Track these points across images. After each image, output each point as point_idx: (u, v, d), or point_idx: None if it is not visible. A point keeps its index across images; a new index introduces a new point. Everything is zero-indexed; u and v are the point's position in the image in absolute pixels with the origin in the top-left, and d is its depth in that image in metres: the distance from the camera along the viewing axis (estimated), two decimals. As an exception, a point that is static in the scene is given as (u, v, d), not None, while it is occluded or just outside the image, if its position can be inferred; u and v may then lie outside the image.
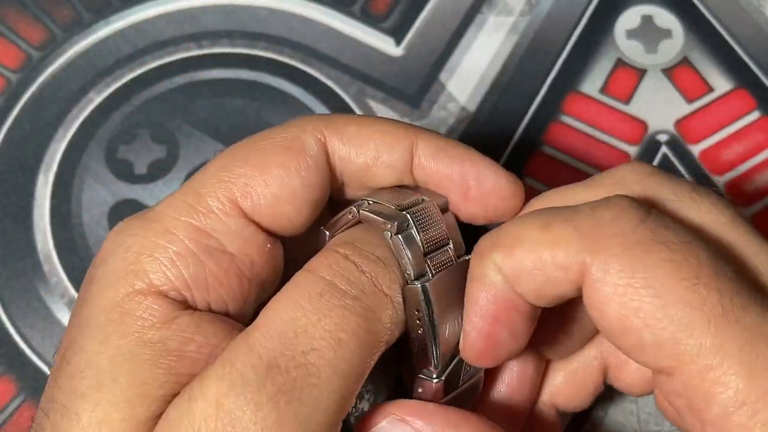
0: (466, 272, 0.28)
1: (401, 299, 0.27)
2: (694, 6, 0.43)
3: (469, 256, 0.28)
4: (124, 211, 0.40)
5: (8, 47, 0.43)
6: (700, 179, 0.40)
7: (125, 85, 0.42)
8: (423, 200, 0.29)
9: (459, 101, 0.42)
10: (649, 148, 0.41)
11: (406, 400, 0.28)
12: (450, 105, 0.42)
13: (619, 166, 0.29)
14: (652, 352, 0.24)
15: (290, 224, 0.28)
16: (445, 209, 0.29)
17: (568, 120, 0.42)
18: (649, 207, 0.26)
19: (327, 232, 0.29)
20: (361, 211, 0.28)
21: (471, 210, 0.30)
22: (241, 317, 0.28)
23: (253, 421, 0.24)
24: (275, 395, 0.24)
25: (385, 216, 0.28)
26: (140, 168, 0.41)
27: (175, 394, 0.25)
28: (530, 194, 0.40)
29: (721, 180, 0.40)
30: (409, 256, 0.28)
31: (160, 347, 0.26)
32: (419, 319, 0.27)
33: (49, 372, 0.38)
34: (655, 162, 0.41)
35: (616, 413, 0.36)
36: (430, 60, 0.43)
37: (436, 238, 0.28)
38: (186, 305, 0.27)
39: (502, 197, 0.30)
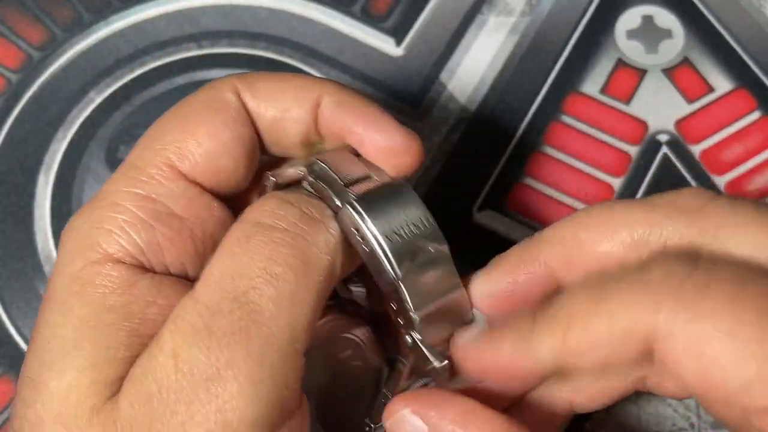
0: (402, 194, 0.29)
1: (336, 225, 0.28)
2: (694, 6, 0.44)
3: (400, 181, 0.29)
4: (124, 211, 0.40)
5: (8, 47, 0.43)
6: (701, 179, 0.40)
7: (125, 85, 0.42)
8: (339, 149, 0.30)
9: (459, 101, 0.42)
10: (650, 148, 0.41)
11: (420, 392, 0.29)
12: (450, 105, 0.42)
13: (681, 190, 0.28)
14: (743, 397, 0.23)
15: (230, 178, 0.29)
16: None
17: (568, 120, 0.42)
18: (694, 257, 0.25)
19: (272, 178, 0.30)
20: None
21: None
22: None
23: (208, 364, 0.25)
24: (224, 336, 0.25)
25: (300, 165, 0.29)
26: (141, 168, 0.41)
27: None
28: (530, 194, 0.40)
29: (721, 180, 0.40)
30: (328, 188, 0.28)
31: (123, 311, 0.27)
32: (362, 238, 0.28)
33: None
34: (656, 162, 0.41)
35: (617, 414, 0.36)
36: (431, 60, 0.43)
37: (355, 173, 0.29)
38: (144, 270, 0.28)
39: (396, 154, 0.30)
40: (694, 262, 0.25)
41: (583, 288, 0.26)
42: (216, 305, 0.26)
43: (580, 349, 0.25)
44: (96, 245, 0.27)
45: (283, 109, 0.30)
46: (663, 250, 0.27)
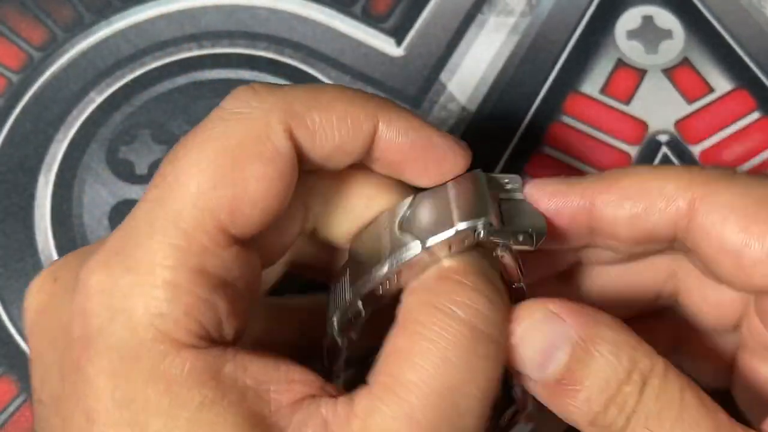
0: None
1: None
2: (694, 6, 0.44)
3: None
4: (124, 211, 0.40)
5: (9, 48, 0.43)
6: (701, 179, 0.40)
7: (126, 85, 0.42)
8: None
9: (460, 101, 0.42)
10: (650, 149, 0.41)
11: (563, 299, 0.27)
12: (451, 105, 0.42)
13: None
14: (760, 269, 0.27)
15: (269, 224, 0.27)
16: None
17: (568, 120, 0.42)
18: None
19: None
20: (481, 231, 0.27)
21: (424, 182, 0.29)
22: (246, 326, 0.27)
23: None
24: None
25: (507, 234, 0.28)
26: (141, 168, 0.41)
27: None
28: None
29: (721, 180, 0.40)
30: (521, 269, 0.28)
31: (225, 403, 0.24)
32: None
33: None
34: (656, 162, 0.41)
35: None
36: (431, 60, 0.43)
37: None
38: (217, 347, 0.25)
39: (457, 170, 0.29)
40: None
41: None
42: (434, 427, 0.24)
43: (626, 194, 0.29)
44: (161, 336, 0.24)
45: (339, 145, 0.27)
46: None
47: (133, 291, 0.24)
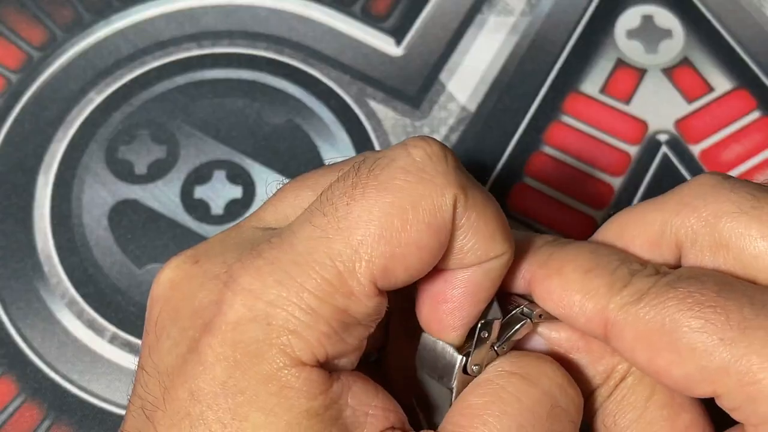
0: None
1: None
2: (694, 6, 0.43)
3: None
4: (124, 211, 0.40)
5: (8, 47, 0.43)
6: (701, 179, 0.40)
7: (125, 85, 0.42)
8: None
9: (459, 101, 0.42)
10: (650, 148, 0.41)
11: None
12: (450, 105, 0.42)
13: (690, 180, 0.28)
14: (685, 384, 0.25)
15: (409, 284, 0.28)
16: None
17: (568, 120, 0.42)
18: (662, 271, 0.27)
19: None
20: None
21: None
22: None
23: None
24: None
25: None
26: (140, 168, 0.41)
27: None
28: (529, 194, 0.40)
29: (721, 180, 0.40)
30: None
31: (327, 417, 0.26)
32: None
33: (46, 371, 0.38)
34: (655, 162, 0.41)
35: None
36: (431, 60, 0.43)
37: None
38: (326, 369, 0.27)
39: None
40: (660, 273, 0.26)
41: (588, 250, 0.28)
42: None
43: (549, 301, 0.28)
44: (289, 349, 0.25)
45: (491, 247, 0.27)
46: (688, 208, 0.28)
47: (280, 302, 0.26)
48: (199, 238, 0.39)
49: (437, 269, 0.27)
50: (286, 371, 0.25)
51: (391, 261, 0.26)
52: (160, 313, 0.28)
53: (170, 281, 0.28)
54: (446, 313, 0.27)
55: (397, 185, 0.26)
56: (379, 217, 0.26)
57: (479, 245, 0.26)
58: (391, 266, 0.26)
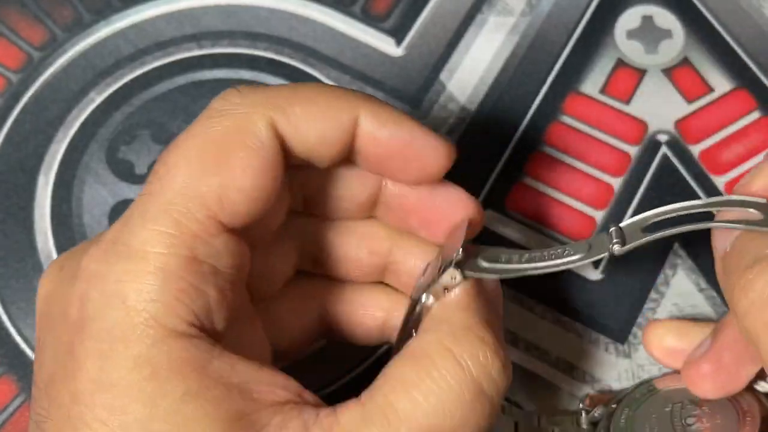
0: None
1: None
2: (694, 6, 0.43)
3: None
4: (124, 211, 0.40)
5: (9, 48, 0.43)
6: (700, 179, 0.40)
7: (126, 85, 0.42)
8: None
9: (459, 101, 0.42)
10: (649, 149, 0.41)
11: None
12: (450, 105, 0.42)
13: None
14: None
15: (261, 216, 0.28)
16: None
17: (568, 120, 0.42)
18: None
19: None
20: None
21: (406, 179, 0.30)
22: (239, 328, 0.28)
23: None
24: None
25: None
26: (141, 168, 0.41)
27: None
28: (529, 194, 0.40)
29: (721, 180, 0.40)
30: None
31: (208, 397, 0.25)
32: None
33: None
34: (655, 162, 0.41)
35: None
36: (431, 60, 0.43)
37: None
38: (206, 340, 0.26)
39: (439, 168, 0.30)
40: None
41: None
42: None
43: None
44: (152, 321, 0.25)
45: (322, 135, 0.28)
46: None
47: (127, 276, 0.25)
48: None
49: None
50: (155, 350, 0.25)
51: (221, 190, 0.26)
52: (39, 329, 0.28)
53: (43, 296, 0.28)
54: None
55: (203, 128, 0.27)
56: (194, 157, 0.26)
57: (316, 130, 0.28)
58: (224, 194, 0.26)
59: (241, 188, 0.26)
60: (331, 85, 0.30)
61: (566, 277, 0.39)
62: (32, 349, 0.38)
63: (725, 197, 0.28)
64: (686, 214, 0.28)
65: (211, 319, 0.26)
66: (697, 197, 0.40)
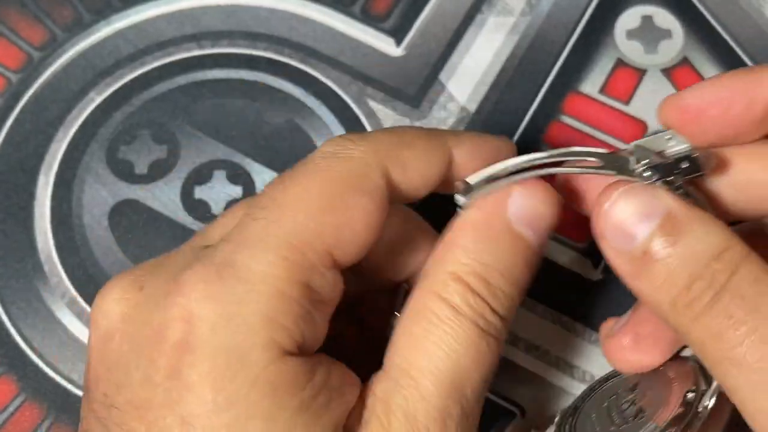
0: None
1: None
2: (694, 6, 0.44)
3: None
4: (124, 211, 0.40)
5: (9, 48, 0.43)
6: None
7: (126, 85, 0.42)
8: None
9: (459, 101, 0.42)
10: (649, 148, 0.41)
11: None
12: (450, 105, 0.42)
13: None
14: None
15: (364, 255, 0.29)
16: None
17: (568, 120, 0.42)
18: None
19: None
20: None
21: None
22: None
23: None
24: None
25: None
26: (141, 168, 0.41)
27: None
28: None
29: (720, 180, 0.40)
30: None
31: (317, 406, 0.26)
32: None
33: (47, 370, 0.38)
34: (655, 162, 0.41)
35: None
36: (431, 60, 0.43)
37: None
38: (309, 356, 0.27)
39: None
40: None
41: None
42: (446, 409, 0.27)
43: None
44: (272, 343, 0.26)
45: (426, 176, 0.30)
46: None
47: (249, 298, 0.26)
48: (200, 238, 0.39)
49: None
50: (273, 368, 0.25)
51: (339, 229, 0.27)
52: (119, 348, 0.27)
53: (120, 314, 0.28)
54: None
55: (323, 167, 0.28)
56: (317, 193, 0.27)
57: (421, 170, 0.29)
58: (341, 233, 0.27)
59: (356, 230, 0.28)
60: (424, 128, 0.31)
61: (566, 277, 0.39)
62: (32, 349, 0.38)
63: (568, 149, 0.29)
64: (531, 166, 0.29)
65: (310, 341, 0.27)
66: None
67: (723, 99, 0.30)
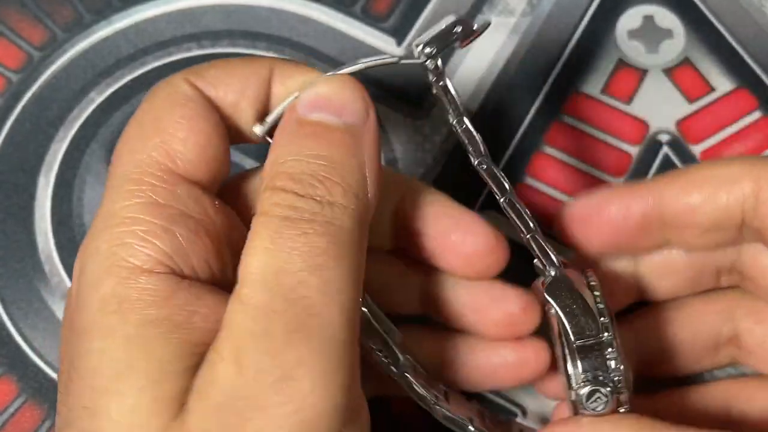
0: None
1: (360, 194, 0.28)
2: (695, 6, 0.44)
3: None
4: (125, 211, 0.40)
5: (9, 47, 0.43)
6: (702, 179, 0.40)
7: (126, 85, 0.42)
8: None
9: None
10: (651, 149, 0.41)
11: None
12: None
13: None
14: None
15: (221, 168, 0.29)
16: None
17: (569, 120, 0.42)
18: None
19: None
20: None
21: None
22: (228, 282, 0.28)
23: (274, 365, 0.25)
24: (285, 336, 0.25)
25: None
26: (141, 168, 0.41)
27: (197, 366, 0.26)
28: (531, 195, 0.40)
29: (722, 180, 0.40)
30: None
31: (168, 323, 0.26)
32: None
33: (47, 371, 0.38)
34: (656, 162, 0.41)
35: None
36: (431, 60, 0.43)
37: None
38: (177, 277, 0.27)
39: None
40: None
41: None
42: (268, 306, 0.25)
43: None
44: (122, 261, 0.26)
45: (241, 92, 0.30)
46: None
47: (101, 235, 0.27)
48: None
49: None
50: (122, 286, 0.26)
51: (165, 145, 0.28)
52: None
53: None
54: None
55: (146, 105, 0.29)
56: (135, 129, 0.29)
57: (234, 85, 0.30)
58: (170, 148, 0.28)
59: (182, 138, 0.28)
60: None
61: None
62: (33, 349, 0.38)
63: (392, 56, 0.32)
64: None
65: (187, 259, 0.27)
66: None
67: (602, 209, 0.33)
